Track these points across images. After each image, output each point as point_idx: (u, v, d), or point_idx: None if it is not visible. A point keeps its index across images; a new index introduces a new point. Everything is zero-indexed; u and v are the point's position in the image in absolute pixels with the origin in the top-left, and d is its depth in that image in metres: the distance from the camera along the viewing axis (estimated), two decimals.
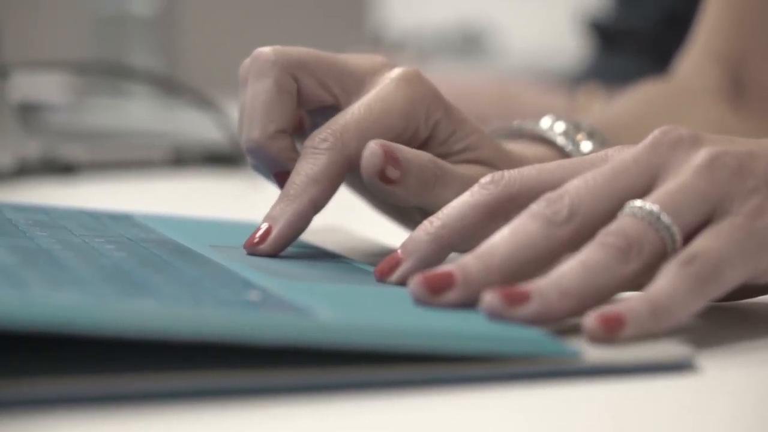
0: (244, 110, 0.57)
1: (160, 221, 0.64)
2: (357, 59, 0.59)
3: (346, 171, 0.55)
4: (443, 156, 0.57)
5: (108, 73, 1.41)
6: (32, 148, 1.01)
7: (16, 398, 0.36)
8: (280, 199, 0.55)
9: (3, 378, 0.36)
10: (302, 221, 0.55)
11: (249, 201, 0.93)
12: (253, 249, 0.55)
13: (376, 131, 0.55)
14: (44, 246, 0.52)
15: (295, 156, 0.57)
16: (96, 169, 1.02)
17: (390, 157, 0.54)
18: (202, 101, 1.09)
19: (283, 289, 0.46)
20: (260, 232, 0.55)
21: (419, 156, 0.55)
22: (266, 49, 0.58)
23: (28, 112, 1.24)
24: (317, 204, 0.55)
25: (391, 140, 0.55)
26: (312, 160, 0.55)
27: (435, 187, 0.55)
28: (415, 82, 0.57)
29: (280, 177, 0.57)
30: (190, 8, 1.71)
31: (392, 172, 0.54)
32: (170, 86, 1.17)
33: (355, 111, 0.56)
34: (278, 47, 0.58)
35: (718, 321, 0.50)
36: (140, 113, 1.40)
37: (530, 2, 3.36)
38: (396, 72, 0.57)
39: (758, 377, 0.43)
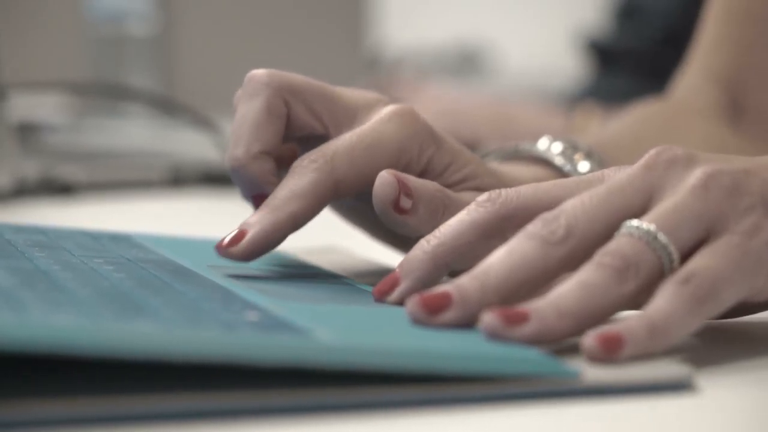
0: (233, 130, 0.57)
1: (159, 241, 0.64)
2: (351, 93, 0.59)
3: (333, 195, 0.55)
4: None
5: (106, 94, 1.42)
6: (30, 169, 1.01)
7: (15, 420, 0.36)
8: (260, 209, 0.54)
9: (1, 400, 0.37)
10: (278, 233, 0.54)
11: None
12: (223, 251, 0.54)
13: (366, 160, 0.55)
14: (43, 267, 0.52)
15: (275, 180, 0.56)
16: (94, 190, 1.02)
17: (403, 187, 0.54)
18: (200, 121, 1.09)
19: (282, 310, 0.46)
20: (232, 235, 0.54)
21: (427, 185, 0.54)
22: (260, 71, 0.57)
23: (27, 133, 1.24)
24: (297, 219, 0.54)
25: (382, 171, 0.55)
26: (298, 177, 0.54)
27: (444, 215, 0.54)
28: (408, 118, 0.57)
29: (258, 200, 0.56)
30: (187, 29, 1.72)
31: (405, 202, 0.53)
32: (168, 106, 1.18)
33: (346, 138, 0.55)
34: (273, 70, 0.57)
35: (716, 340, 0.50)
36: (138, 133, 1.40)
37: (528, 21, 3.37)
38: (390, 108, 0.57)
39: (756, 396, 0.43)
